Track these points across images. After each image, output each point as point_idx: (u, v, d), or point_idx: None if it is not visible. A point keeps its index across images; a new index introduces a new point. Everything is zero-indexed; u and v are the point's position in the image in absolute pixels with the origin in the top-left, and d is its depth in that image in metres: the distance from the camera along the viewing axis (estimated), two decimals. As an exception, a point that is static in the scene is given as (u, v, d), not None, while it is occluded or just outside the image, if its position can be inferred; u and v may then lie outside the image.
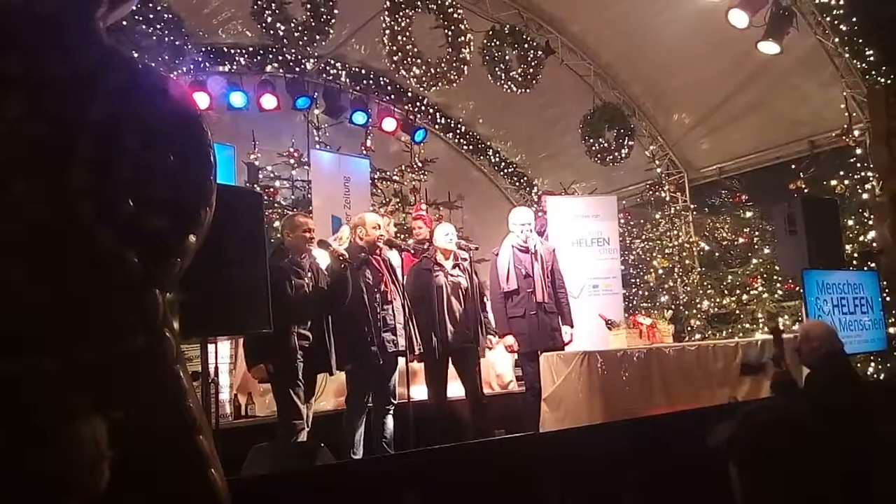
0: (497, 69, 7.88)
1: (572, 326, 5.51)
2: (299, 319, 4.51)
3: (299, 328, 4.51)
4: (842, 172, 7.61)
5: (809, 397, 3.60)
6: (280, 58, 8.18)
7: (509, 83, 7.94)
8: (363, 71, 9.03)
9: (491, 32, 7.92)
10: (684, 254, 9.26)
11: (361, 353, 4.66)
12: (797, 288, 6.75)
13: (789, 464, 1.52)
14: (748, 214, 8.79)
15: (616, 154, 8.90)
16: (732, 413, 1.67)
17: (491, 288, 5.58)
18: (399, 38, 7.18)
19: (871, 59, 7.05)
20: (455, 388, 5.40)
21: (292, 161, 8.25)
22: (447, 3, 7.38)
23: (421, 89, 8.27)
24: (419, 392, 5.39)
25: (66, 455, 1.45)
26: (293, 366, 4.43)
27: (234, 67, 8.13)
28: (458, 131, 10.16)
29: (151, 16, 6.38)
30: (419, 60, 7.29)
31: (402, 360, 4.81)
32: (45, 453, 1.43)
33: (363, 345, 4.67)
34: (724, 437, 1.62)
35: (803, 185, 7.81)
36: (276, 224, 7.72)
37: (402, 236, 7.47)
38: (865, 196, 7.45)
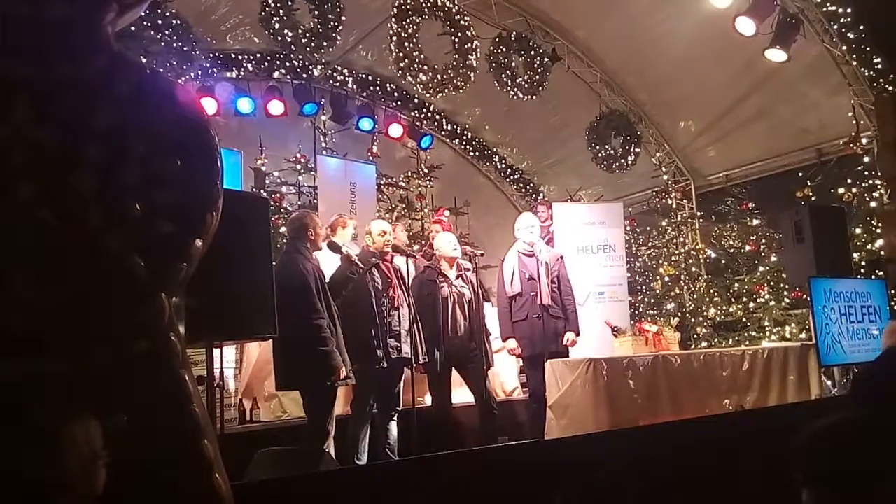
0: (503, 76, 7.89)
1: (577, 334, 5.45)
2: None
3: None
4: (849, 180, 7.59)
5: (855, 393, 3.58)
6: (287, 64, 8.21)
7: (516, 90, 7.95)
8: (370, 77, 9.05)
9: (497, 39, 7.94)
10: (691, 261, 9.23)
11: (366, 357, 4.66)
12: (804, 296, 6.72)
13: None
14: (755, 222, 8.76)
15: (622, 161, 8.89)
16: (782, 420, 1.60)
17: (497, 293, 5.58)
18: (406, 44, 7.20)
19: (879, 66, 7.03)
20: (459, 395, 5.38)
21: (299, 167, 8.26)
22: (454, 10, 7.40)
23: (427, 96, 8.30)
24: (425, 399, 5.38)
25: (61, 454, 1.45)
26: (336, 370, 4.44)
27: (242, 73, 8.17)
28: (464, 137, 10.16)
29: (160, 22, 6.40)
30: (426, 67, 7.30)
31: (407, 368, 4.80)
32: (41, 453, 1.44)
33: (369, 349, 4.67)
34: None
35: (810, 193, 7.79)
36: (283, 229, 7.74)
37: (409, 242, 7.46)
38: (873, 204, 7.43)
